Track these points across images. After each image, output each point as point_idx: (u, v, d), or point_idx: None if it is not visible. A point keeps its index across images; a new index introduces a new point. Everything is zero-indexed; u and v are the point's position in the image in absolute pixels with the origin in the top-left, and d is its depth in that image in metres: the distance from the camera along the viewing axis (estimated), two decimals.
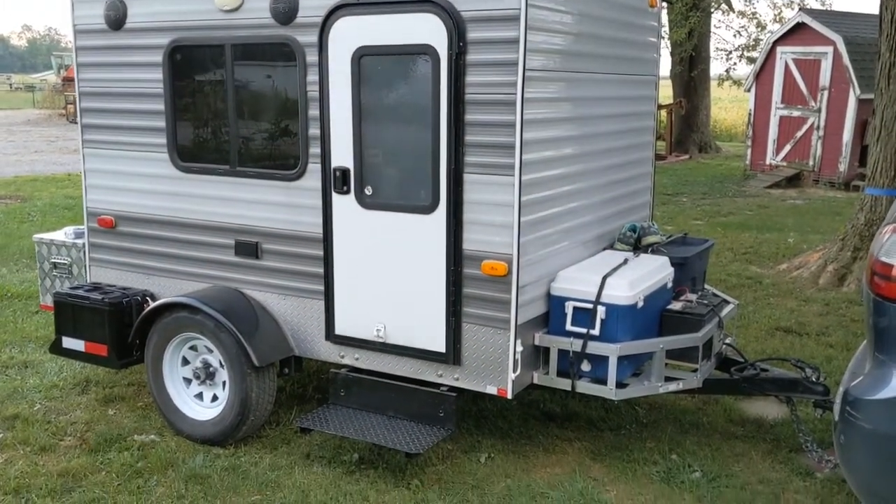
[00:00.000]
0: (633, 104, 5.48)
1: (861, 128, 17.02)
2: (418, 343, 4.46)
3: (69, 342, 5.33)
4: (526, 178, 4.16)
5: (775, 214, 13.91)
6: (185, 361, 5.05)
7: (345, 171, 4.53)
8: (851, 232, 8.86)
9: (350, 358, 4.72)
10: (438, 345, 4.40)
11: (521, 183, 4.12)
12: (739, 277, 9.03)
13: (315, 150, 4.63)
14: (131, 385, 5.85)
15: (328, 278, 4.69)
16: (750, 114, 19.12)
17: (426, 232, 4.34)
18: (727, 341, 4.98)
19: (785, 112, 18.23)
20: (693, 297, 4.90)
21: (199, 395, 5.03)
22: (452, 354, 4.37)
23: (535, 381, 4.50)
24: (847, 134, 17.08)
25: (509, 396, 4.28)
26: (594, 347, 4.31)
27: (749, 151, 19.10)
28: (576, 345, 4.33)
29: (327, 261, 4.68)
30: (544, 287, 4.50)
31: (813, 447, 4.54)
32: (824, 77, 17.20)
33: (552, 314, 4.49)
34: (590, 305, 4.33)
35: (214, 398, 4.98)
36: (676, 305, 4.72)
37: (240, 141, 4.90)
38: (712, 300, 4.84)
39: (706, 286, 5.41)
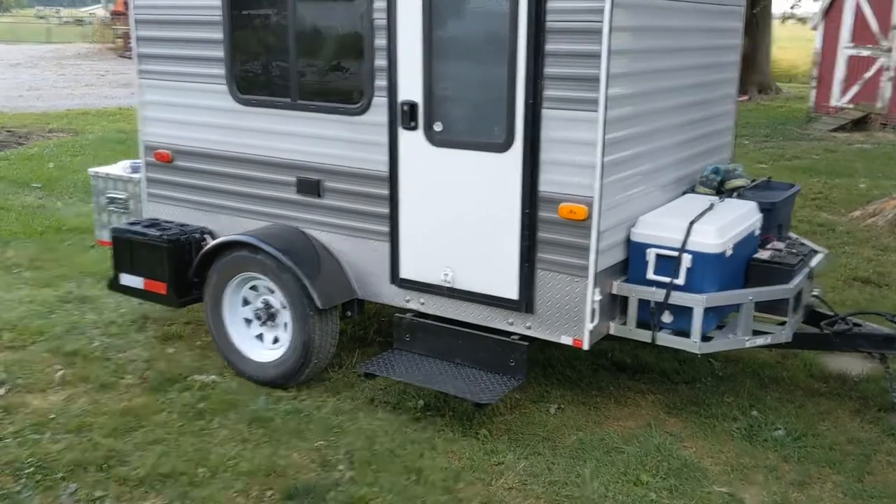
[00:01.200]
0: (719, 36, 5.09)
1: None
2: (489, 289, 4.24)
3: (127, 279, 5.23)
4: (611, 115, 3.85)
5: (843, 159, 13.29)
6: (246, 302, 4.91)
7: (413, 106, 4.26)
8: None
9: (416, 303, 4.53)
10: (510, 292, 4.18)
11: (606, 120, 3.81)
12: (811, 224, 8.61)
13: (381, 82, 4.36)
14: (189, 323, 5.75)
15: (394, 219, 4.47)
16: (816, 53, 18.24)
17: (499, 172, 4.08)
18: (815, 293, 4.67)
19: (853, 51, 17.34)
20: (781, 245, 4.59)
21: (260, 337, 4.90)
22: (525, 302, 4.15)
23: (612, 331, 4.27)
24: None
25: (585, 347, 4.05)
26: (678, 298, 4.04)
27: (813, 93, 18.28)
28: (658, 294, 4.07)
29: (393, 201, 4.45)
30: (624, 232, 4.23)
31: None
32: None
33: (632, 261, 4.23)
34: (674, 253, 4.05)
35: (276, 340, 4.84)
36: (764, 254, 4.41)
37: (301, 72, 4.65)
38: (801, 249, 4.52)
39: (791, 233, 5.08)
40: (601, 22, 3.71)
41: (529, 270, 4.11)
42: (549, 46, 3.85)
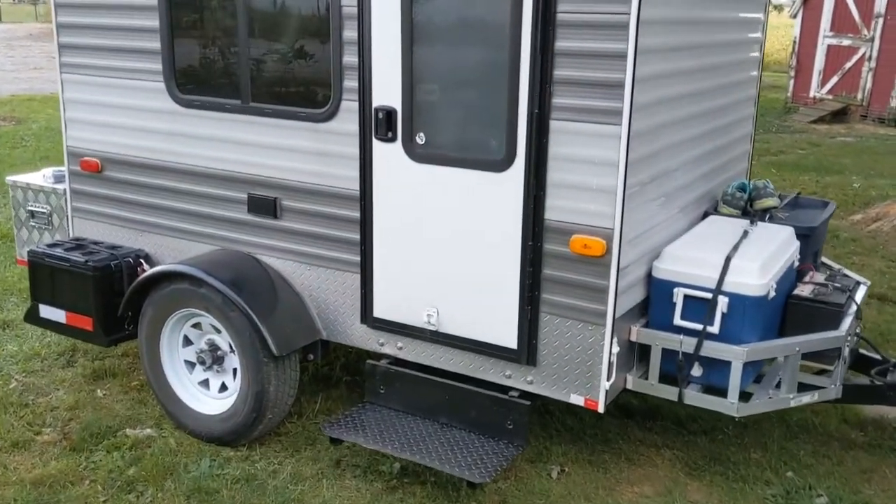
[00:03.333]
0: (743, 28, 4.38)
1: None
2: (482, 335, 3.51)
3: (48, 311, 4.40)
4: (636, 128, 3.13)
5: (829, 153, 12.77)
6: (188, 342, 4.12)
7: (389, 113, 3.49)
8: None
9: (392, 347, 3.78)
10: (508, 339, 3.44)
11: (630, 134, 3.09)
12: None
13: (351, 83, 3.59)
14: (126, 356, 4.94)
15: (366, 247, 3.70)
16: (795, 42, 17.74)
17: (497, 194, 3.34)
18: (858, 331, 4.01)
19: (834, 41, 16.86)
20: (822, 277, 3.91)
21: (205, 383, 4.12)
22: (526, 352, 3.42)
23: (630, 386, 3.56)
24: None
25: (601, 410, 3.34)
26: (712, 349, 3.35)
27: (792, 83, 17.81)
28: (687, 344, 3.37)
29: (365, 225, 3.68)
30: (645, 266, 3.52)
31: None
32: (880, 3, 15.78)
33: (654, 302, 3.52)
34: (708, 295, 3.35)
35: (223, 387, 4.06)
36: (805, 290, 3.73)
37: (254, 69, 3.85)
38: (846, 283, 3.85)
39: (824, 259, 4.42)
40: (627, 14, 2.97)
41: (532, 314, 3.38)
42: (560, 43, 3.10)
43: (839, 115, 16.63)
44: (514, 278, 3.37)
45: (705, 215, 4.12)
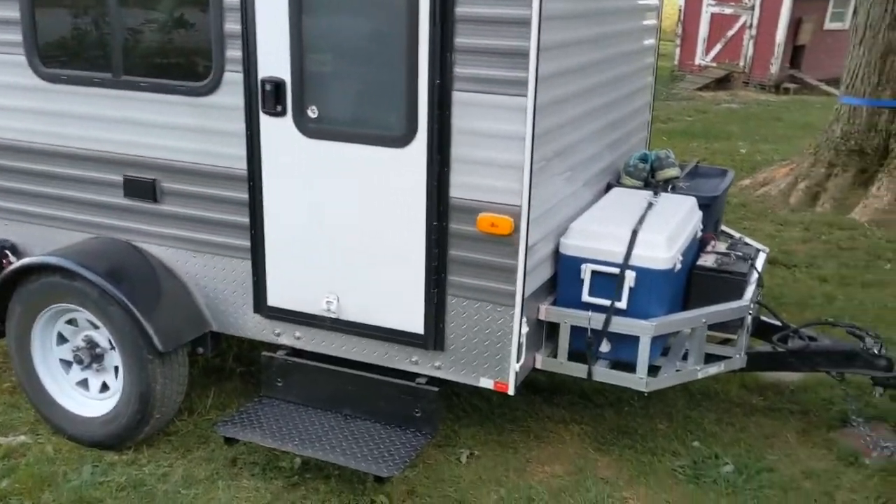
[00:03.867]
0: None
1: (795, 27, 16.37)
2: (386, 321, 3.32)
3: None
4: (542, 99, 2.98)
5: (716, 120, 13.16)
6: (63, 339, 3.76)
7: (278, 84, 3.22)
8: (825, 145, 8.07)
9: (289, 337, 3.54)
10: (414, 324, 3.27)
11: (536, 106, 2.94)
12: None
13: (234, 52, 3.29)
14: None
15: (256, 231, 3.44)
16: (680, 11, 18.15)
17: (398, 172, 3.14)
18: (758, 299, 4.04)
19: (716, 9, 17.35)
20: (723, 246, 3.91)
21: (84, 383, 3.77)
22: (433, 337, 3.26)
23: (539, 365, 3.46)
24: (780, 33, 16.41)
25: (511, 392, 3.23)
26: (621, 324, 3.28)
27: (678, 51, 18.24)
28: (596, 320, 3.29)
29: (254, 207, 3.42)
30: (553, 243, 3.41)
31: (867, 431, 3.72)
32: None
33: (562, 279, 3.42)
34: (615, 270, 3.27)
35: (105, 387, 3.73)
36: (708, 260, 3.72)
37: (126, 39, 3.49)
38: (747, 251, 3.86)
39: (724, 227, 4.44)
40: None
41: (438, 297, 3.22)
42: (461, 9, 2.91)
43: (723, 82, 17.17)
44: (418, 260, 3.20)
45: (609, 187, 4.05)
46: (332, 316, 3.39)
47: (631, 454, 3.82)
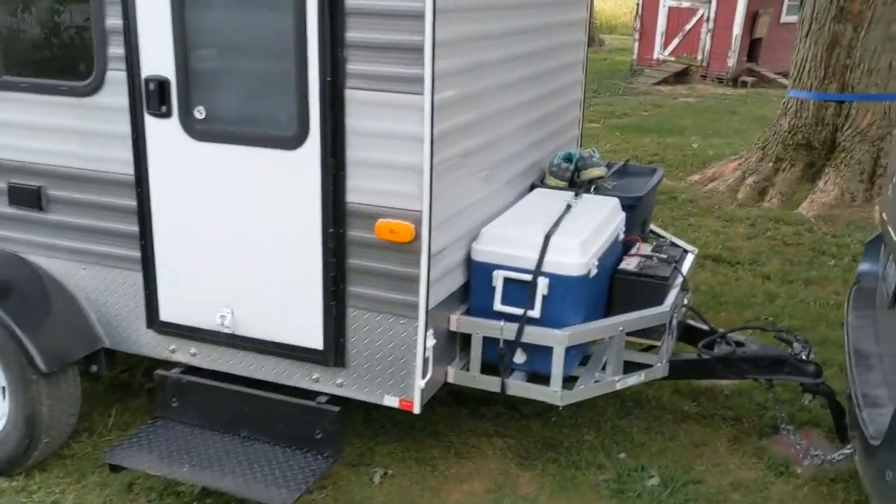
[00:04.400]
0: None
1: (751, 20, 16.36)
2: (284, 336, 3.11)
3: None
4: (441, 98, 2.78)
5: (671, 115, 13.07)
6: None
7: (162, 83, 2.99)
8: (773, 140, 7.98)
9: (184, 354, 3.31)
10: (313, 339, 3.06)
11: (434, 105, 2.74)
12: None
13: (116, 50, 3.05)
14: None
15: (146, 241, 3.21)
16: (638, 5, 18.08)
17: (291, 176, 2.93)
18: (685, 302, 3.89)
19: (674, 3, 17.28)
20: (647, 248, 3.75)
21: None
22: (333, 353, 3.05)
23: (451, 379, 3.27)
24: (737, 27, 16.38)
25: (416, 410, 3.03)
26: (533, 335, 3.10)
27: (636, 45, 18.17)
28: (508, 331, 3.10)
29: (143, 215, 3.18)
30: (463, 250, 3.21)
31: (798, 439, 3.58)
32: None
33: (474, 287, 3.23)
34: (527, 277, 3.08)
35: None
36: (631, 263, 3.55)
37: (5, 37, 3.23)
38: (672, 252, 3.70)
39: (653, 227, 4.28)
40: None
41: (338, 310, 3.01)
42: (352, 2, 2.70)
43: (681, 76, 17.13)
44: (316, 271, 2.98)
45: (532, 188, 3.87)
46: (227, 331, 3.17)
47: (554, 468, 3.64)
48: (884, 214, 3.35)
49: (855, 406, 2.96)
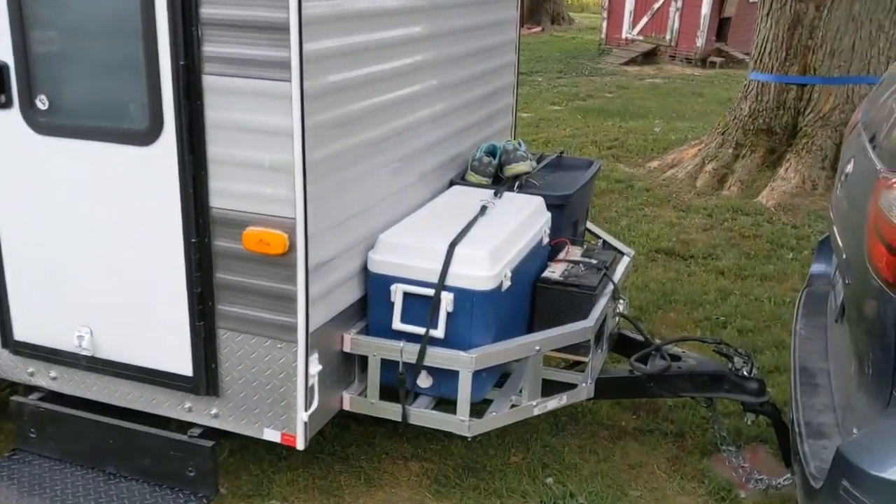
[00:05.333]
0: None
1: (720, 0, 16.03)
2: (149, 360, 2.70)
3: None
4: (312, 85, 2.36)
5: (636, 97, 12.71)
6: None
7: (1, 69, 2.55)
8: (733, 124, 7.63)
9: (44, 377, 2.90)
10: (181, 364, 2.66)
11: (306, 93, 2.33)
12: (608, 180, 7.66)
13: None
14: None
15: None
16: None
17: (146, 176, 2.51)
18: (619, 308, 3.52)
19: None
20: (577, 252, 3.37)
21: None
22: (205, 380, 2.65)
23: (347, 406, 2.88)
24: (706, 6, 16.04)
25: (300, 446, 2.64)
26: (437, 357, 2.71)
27: (604, 24, 17.80)
28: (409, 352, 2.71)
29: None
30: (358, 260, 2.81)
31: (741, 462, 3.24)
32: None
33: (372, 302, 2.84)
34: (430, 291, 2.69)
35: None
36: (555, 271, 3.17)
37: None
38: (603, 257, 3.32)
39: (588, 225, 3.90)
40: None
41: (207, 331, 2.60)
42: None
43: (650, 56, 16.78)
44: (179, 286, 2.57)
45: (451, 184, 3.47)
46: (87, 353, 2.76)
47: (474, 497, 3.26)
48: (831, 214, 3.00)
49: (797, 435, 2.61)
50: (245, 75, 2.32)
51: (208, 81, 2.37)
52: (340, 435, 3.58)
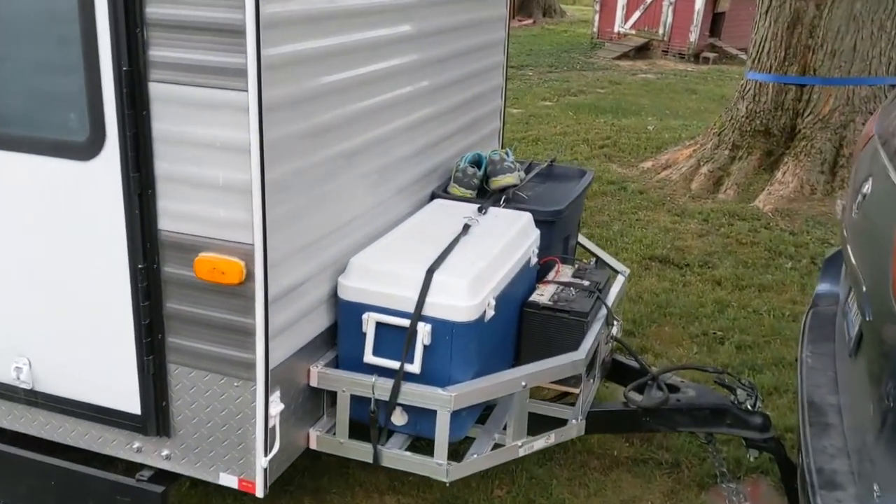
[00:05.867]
0: None
1: None
2: (94, 396, 2.43)
3: None
4: (272, 94, 2.10)
5: (629, 93, 12.45)
6: None
7: None
8: (730, 125, 7.39)
9: None
10: (128, 401, 2.39)
11: (264, 103, 2.06)
12: (600, 182, 7.40)
13: None
14: None
15: None
16: None
17: (87, 194, 2.24)
18: (614, 332, 3.27)
19: None
20: (568, 272, 3.11)
21: None
22: (155, 418, 2.38)
23: (314, 445, 2.62)
24: (699, 1, 15.78)
25: (259, 493, 2.38)
26: (412, 394, 2.45)
27: (597, 18, 17.52)
28: (381, 388, 2.46)
29: None
30: (327, 284, 2.55)
31: (742, 499, 3.00)
32: None
33: (342, 332, 2.58)
34: (405, 322, 2.43)
35: None
36: (543, 294, 2.91)
37: None
38: (594, 277, 3.06)
39: (581, 238, 3.65)
40: None
41: (157, 366, 2.34)
42: None
43: (642, 51, 16.52)
44: (125, 316, 2.30)
45: (434, 197, 3.21)
46: (25, 386, 2.49)
47: None
48: (845, 233, 2.75)
49: (808, 485, 2.37)
50: (196, 83, 2.05)
51: (155, 89, 2.09)
52: (311, 465, 3.32)
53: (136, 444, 2.46)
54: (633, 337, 4.58)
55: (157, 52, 2.06)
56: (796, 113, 6.96)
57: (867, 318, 2.25)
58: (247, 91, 2.02)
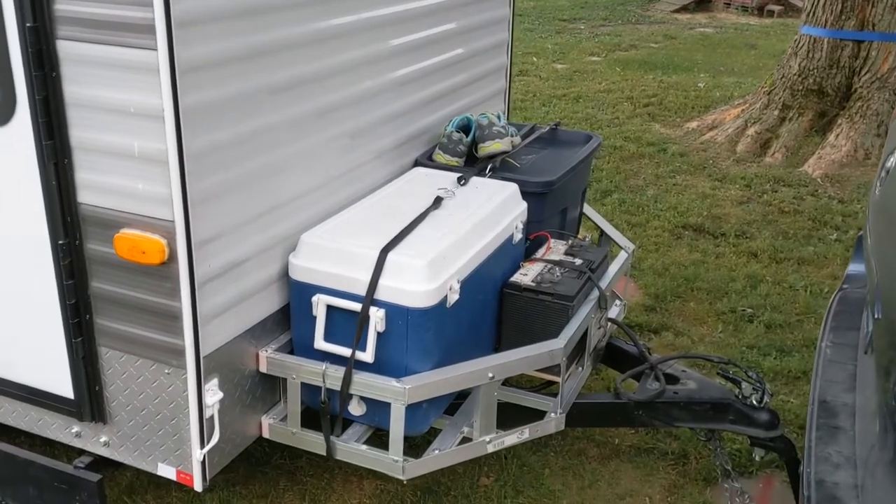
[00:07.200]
0: None
1: None
2: (28, 377, 2.28)
3: None
4: (187, 54, 1.86)
5: (683, 48, 11.84)
6: None
7: None
8: (780, 84, 6.87)
9: None
10: (61, 384, 2.24)
11: (177, 63, 1.83)
12: (639, 143, 7.01)
13: None
14: None
15: None
16: None
17: (2, 162, 2.05)
18: (615, 314, 2.99)
19: None
20: (560, 248, 2.83)
21: None
22: (88, 403, 2.22)
23: (266, 434, 2.44)
24: None
25: (198, 487, 2.21)
26: (364, 385, 2.24)
27: None
28: (332, 377, 2.25)
29: None
30: (277, 263, 2.33)
31: (745, 500, 2.72)
32: None
33: (295, 315, 2.37)
34: (357, 306, 2.21)
35: None
36: (527, 275, 2.64)
37: None
38: (588, 255, 2.77)
39: (587, 209, 3.35)
40: None
41: (87, 349, 2.17)
42: None
43: (703, 3, 15.72)
44: (51, 296, 2.13)
45: (417, 165, 2.95)
46: None
47: None
48: (868, 216, 2.41)
49: (805, 499, 2.08)
50: (105, 41, 1.84)
51: (63, 48, 1.89)
52: (287, 447, 3.15)
53: (75, 429, 2.31)
54: (654, 313, 4.27)
55: (63, 7, 1.85)
56: (852, 71, 6.42)
57: (876, 317, 1.94)
58: (156, 49, 1.79)
